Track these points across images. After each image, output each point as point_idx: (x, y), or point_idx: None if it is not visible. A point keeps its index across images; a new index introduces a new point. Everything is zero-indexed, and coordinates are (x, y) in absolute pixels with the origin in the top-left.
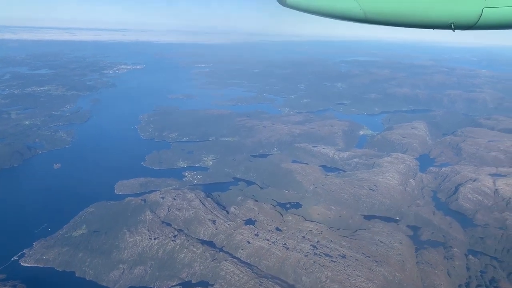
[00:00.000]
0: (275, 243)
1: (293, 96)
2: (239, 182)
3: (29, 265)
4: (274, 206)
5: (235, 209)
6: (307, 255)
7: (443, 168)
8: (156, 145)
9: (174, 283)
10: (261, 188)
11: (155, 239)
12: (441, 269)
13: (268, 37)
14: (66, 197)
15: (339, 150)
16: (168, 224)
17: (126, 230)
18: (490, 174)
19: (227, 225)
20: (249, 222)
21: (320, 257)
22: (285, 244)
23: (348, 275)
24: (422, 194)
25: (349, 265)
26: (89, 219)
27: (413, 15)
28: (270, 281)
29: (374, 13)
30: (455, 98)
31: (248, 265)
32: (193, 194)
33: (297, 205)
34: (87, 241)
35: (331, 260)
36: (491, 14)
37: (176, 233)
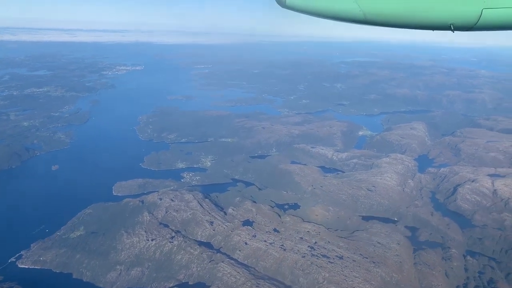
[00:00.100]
0: (273, 244)
1: (292, 97)
2: (237, 183)
3: (26, 267)
4: (272, 207)
5: (233, 210)
6: (304, 256)
7: (442, 169)
8: (155, 146)
9: (171, 285)
10: (259, 189)
11: (152, 240)
12: (439, 270)
13: (267, 38)
14: (64, 199)
15: (337, 151)
16: (166, 225)
17: (123, 232)
18: (488, 175)
19: (224, 226)
20: (247, 223)
21: (317, 258)
22: (282, 245)
23: (346, 276)
24: (421, 194)
25: (346, 266)
26: (87, 221)
27: (413, 16)
28: (267, 282)
29: (374, 14)
30: (455, 99)
31: (245, 266)
32: (191, 195)
33: (295, 206)
34: (85, 243)
35: (329, 261)
36: (490, 15)
37: (173, 234)
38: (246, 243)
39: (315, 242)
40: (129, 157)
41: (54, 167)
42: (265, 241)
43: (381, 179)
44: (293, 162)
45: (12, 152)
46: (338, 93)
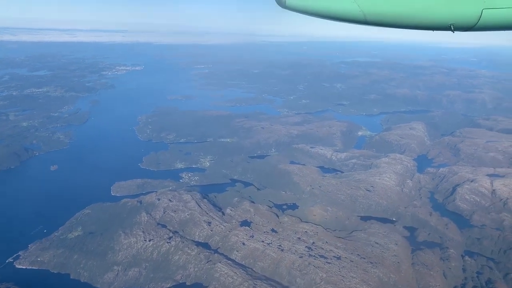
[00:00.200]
0: (270, 245)
1: (292, 97)
2: (236, 183)
3: (24, 267)
4: (271, 208)
5: (231, 210)
6: (302, 257)
7: (441, 169)
8: (154, 146)
9: (168, 285)
10: (258, 189)
11: (150, 240)
12: (437, 270)
13: (267, 38)
14: (63, 199)
15: (337, 151)
16: (164, 226)
17: (121, 232)
18: (488, 175)
19: (222, 226)
20: (245, 223)
21: (315, 259)
22: (280, 245)
23: (343, 276)
24: (419, 195)
25: (344, 266)
26: (85, 221)
27: (413, 17)
28: (264, 282)
29: (374, 15)
30: (454, 99)
31: (243, 266)
32: (189, 195)
33: (294, 206)
34: (82, 243)
35: (326, 262)
36: (490, 15)
37: (171, 234)
38: (243, 244)
39: (313, 243)
40: (128, 157)
41: (53, 168)
42: (262, 241)
43: (379, 179)
44: (292, 162)
45: (11, 153)
46: (338, 93)
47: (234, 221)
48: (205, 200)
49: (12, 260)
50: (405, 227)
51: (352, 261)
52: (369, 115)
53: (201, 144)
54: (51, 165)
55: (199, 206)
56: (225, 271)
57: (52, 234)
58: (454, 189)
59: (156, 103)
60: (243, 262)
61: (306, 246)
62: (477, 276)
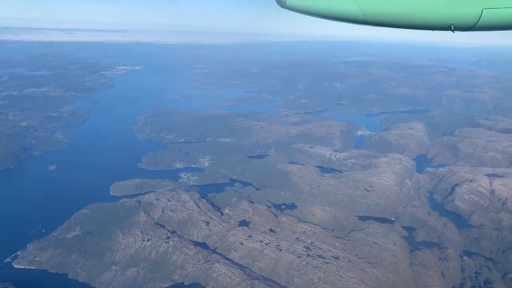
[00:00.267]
0: (268, 245)
1: (291, 97)
2: (235, 183)
3: (22, 267)
4: (269, 207)
5: (230, 210)
6: (300, 257)
7: (440, 169)
8: (153, 146)
9: (166, 285)
10: (257, 189)
11: (148, 240)
12: (435, 270)
13: (267, 38)
14: (61, 199)
15: (336, 151)
16: (162, 226)
17: (119, 232)
18: (487, 175)
19: (220, 226)
20: (243, 223)
21: (313, 259)
22: (278, 245)
23: (341, 276)
24: (418, 194)
25: (342, 266)
26: (84, 221)
27: (413, 17)
28: (262, 282)
29: (374, 15)
30: (454, 98)
31: (241, 266)
32: (187, 195)
33: (292, 206)
34: (81, 243)
35: (324, 262)
36: (490, 15)
37: (169, 234)
38: (242, 244)
39: (311, 242)
40: (127, 157)
41: (51, 167)
42: (261, 241)
43: (378, 179)
44: (291, 162)
45: (10, 152)
46: (338, 93)
47: (232, 221)
48: (203, 200)
49: (10, 260)
50: (403, 227)
51: (350, 261)
52: (369, 115)
53: (200, 144)
54: (49, 165)
55: (198, 206)
56: (223, 271)
57: (50, 234)
58: (453, 189)
59: (156, 103)
60: (241, 262)
61: (304, 246)
62: (476, 276)
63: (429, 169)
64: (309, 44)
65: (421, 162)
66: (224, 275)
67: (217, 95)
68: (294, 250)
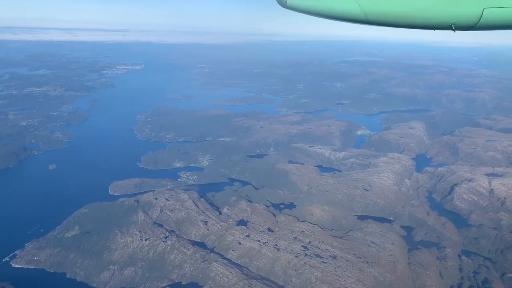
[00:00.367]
0: (266, 244)
1: (292, 96)
2: (234, 183)
3: (20, 266)
4: (268, 207)
5: (228, 209)
6: (297, 256)
7: (439, 168)
8: (153, 145)
9: (164, 285)
10: (256, 188)
11: (146, 240)
12: (433, 270)
13: (268, 37)
14: (60, 198)
15: (335, 150)
16: (160, 225)
17: (117, 231)
18: (486, 174)
19: (219, 226)
20: (241, 222)
21: (310, 258)
22: (276, 245)
23: (338, 276)
24: (417, 194)
25: (339, 266)
26: (82, 220)
27: (414, 16)
28: (259, 282)
29: (375, 15)
30: (454, 98)
31: (239, 266)
32: (186, 194)
33: (291, 206)
34: (79, 242)
35: (322, 261)
36: (491, 14)
37: (167, 234)
38: (239, 243)
39: (309, 242)
40: (126, 156)
41: (51, 167)
42: (259, 240)
43: (377, 178)
44: (290, 162)
45: (10, 152)
46: (338, 92)
47: (230, 220)
48: (202, 199)
49: (8, 260)
50: (402, 227)
51: (348, 261)
52: (369, 114)
53: (200, 144)
54: (49, 164)
55: (196, 205)
56: (221, 271)
57: (49, 233)
58: (452, 189)
59: (156, 103)
60: (239, 261)
61: (302, 246)
62: (474, 276)
63: (429, 169)
64: (311, 44)
65: (421, 161)
66: (221, 275)
67: (217, 94)
68: (292, 250)
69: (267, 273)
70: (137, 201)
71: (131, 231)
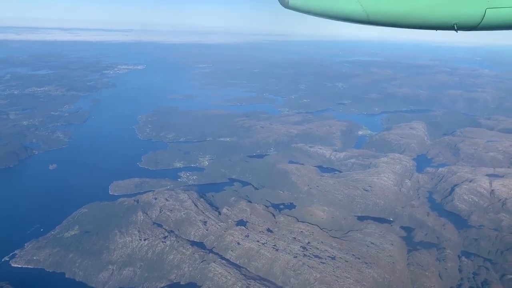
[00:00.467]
0: (265, 245)
1: (293, 96)
2: (234, 183)
3: (20, 266)
4: (267, 207)
5: (227, 210)
6: (296, 257)
7: (440, 169)
8: (153, 145)
9: (162, 285)
10: (256, 188)
11: (145, 240)
12: (432, 271)
13: (270, 37)
14: (60, 198)
15: (336, 151)
16: (159, 225)
17: (117, 231)
18: (487, 175)
19: (218, 226)
20: (241, 223)
21: (309, 259)
22: (275, 245)
23: (337, 276)
24: (418, 194)
25: (338, 266)
26: (82, 220)
27: (416, 16)
28: (258, 282)
29: (377, 15)
30: (456, 98)
31: (237, 266)
32: (186, 195)
33: (291, 206)
34: (78, 242)
35: (321, 262)
36: (494, 14)
37: (166, 234)
38: (238, 243)
39: (308, 242)
40: (127, 156)
41: (51, 166)
42: (257, 241)
43: (378, 179)
44: (290, 162)
45: (10, 151)
46: (339, 92)
47: (230, 220)
48: (202, 199)
49: (8, 259)
50: (402, 227)
51: (347, 261)
52: (370, 115)
53: (200, 144)
54: (50, 164)
55: (196, 205)
56: (219, 271)
57: (49, 233)
58: (452, 189)
59: (157, 102)
60: (238, 262)
61: (301, 246)
62: (473, 277)
63: (429, 169)
64: (312, 44)
65: (421, 162)
66: (220, 275)
67: (218, 94)
68: (290, 250)
69: (266, 273)
70: (137, 201)
71: (130, 231)
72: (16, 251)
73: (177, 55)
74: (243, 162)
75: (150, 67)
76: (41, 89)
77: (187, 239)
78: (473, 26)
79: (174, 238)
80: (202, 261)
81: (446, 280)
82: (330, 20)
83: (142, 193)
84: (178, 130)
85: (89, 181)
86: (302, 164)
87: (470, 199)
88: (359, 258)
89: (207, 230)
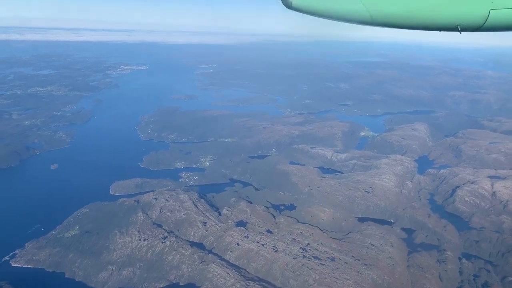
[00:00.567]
0: (265, 246)
1: (295, 97)
2: (235, 184)
3: (20, 266)
4: (268, 208)
5: (228, 210)
6: (296, 258)
7: (442, 170)
8: (155, 145)
9: (161, 285)
10: (256, 189)
11: (144, 240)
12: (432, 273)
13: (272, 38)
14: (61, 198)
15: (337, 152)
16: (159, 226)
17: (117, 231)
18: (489, 177)
19: (217, 227)
20: (240, 224)
21: (309, 260)
22: (274, 246)
23: (336, 278)
24: (419, 196)
25: (337, 268)
26: (82, 220)
27: (420, 17)
28: (257, 283)
29: (381, 16)
30: (459, 99)
31: (236, 267)
32: (186, 195)
33: (291, 207)
34: (79, 242)
35: (320, 263)
36: (498, 16)
37: (166, 234)
38: (238, 244)
39: (308, 244)
40: (128, 156)
41: (53, 166)
42: (257, 242)
43: (379, 180)
44: (292, 163)
45: (12, 151)
46: (342, 93)
47: (230, 221)
48: (202, 200)
49: (8, 259)
50: (402, 229)
51: (346, 263)
52: (373, 116)
53: (201, 144)
54: (51, 164)
55: (196, 206)
56: (218, 272)
57: (49, 232)
58: (454, 191)
59: (159, 103)
60: (237, 262)
61: (300, 247)
62: (474, 279)
63: (431, 171)
64: (315, 45)
65: (423, 163)
66: (219, 276)
67: (220, 95)
68: (290, 251)
69: (265, 274)
70: (137, 201)
71: (130, 232)
72: (16, 251)
73: (180, 55)
74: (244, 162)
75: (153, 68)
76: (44, 89)
77: (187, 240)
78: (477, 27)
79: (174, 239)
80: (201, 262)
81: (447, 282)
82: (333, 21)
83: (142, 194)
84: (179, 131)
85: (91, 181)
86: (303, 165)
87: (471, 201)
88: (358, 260)
89: (206, 230)
